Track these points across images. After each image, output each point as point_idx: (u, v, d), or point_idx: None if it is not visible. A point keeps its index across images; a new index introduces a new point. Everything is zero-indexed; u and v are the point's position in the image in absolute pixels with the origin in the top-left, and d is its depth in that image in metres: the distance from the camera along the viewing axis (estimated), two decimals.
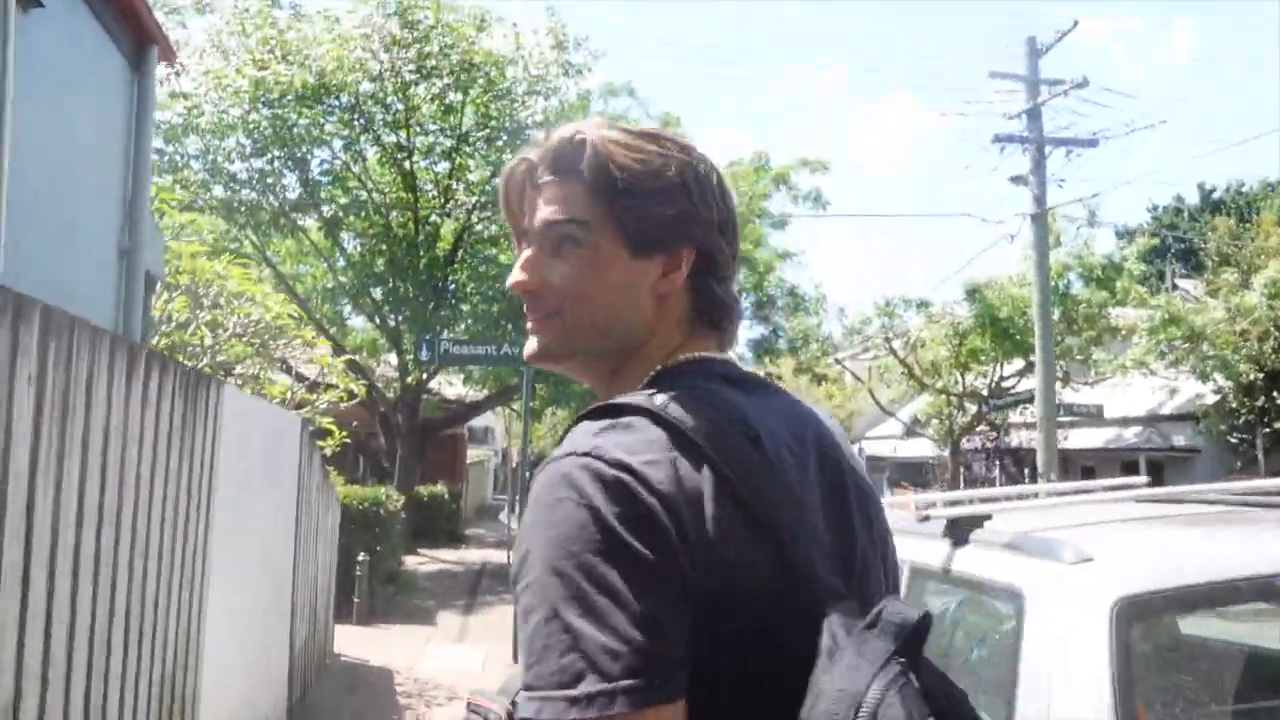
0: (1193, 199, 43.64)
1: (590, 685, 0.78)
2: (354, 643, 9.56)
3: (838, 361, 22.38)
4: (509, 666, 8.82)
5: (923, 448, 29.70)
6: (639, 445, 0.88)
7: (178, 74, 15.77)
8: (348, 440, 8.61)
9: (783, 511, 0.89)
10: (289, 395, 8.61)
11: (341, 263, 18.59)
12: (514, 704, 0.85)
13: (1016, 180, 17.01)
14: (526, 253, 1.07)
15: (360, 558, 10.82)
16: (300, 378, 8.88)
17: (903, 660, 0.81)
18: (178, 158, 15.78)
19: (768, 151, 21.73)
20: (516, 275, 1.06)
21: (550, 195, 1.04)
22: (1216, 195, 44.62)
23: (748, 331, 24.44)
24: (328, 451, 8.66)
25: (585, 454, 0.87)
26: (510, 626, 9.28)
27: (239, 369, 7.76)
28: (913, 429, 22.06)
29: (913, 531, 2.69)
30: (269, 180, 16.16)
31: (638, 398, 0.94)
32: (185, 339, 7.44)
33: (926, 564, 2.56)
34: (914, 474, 31.40)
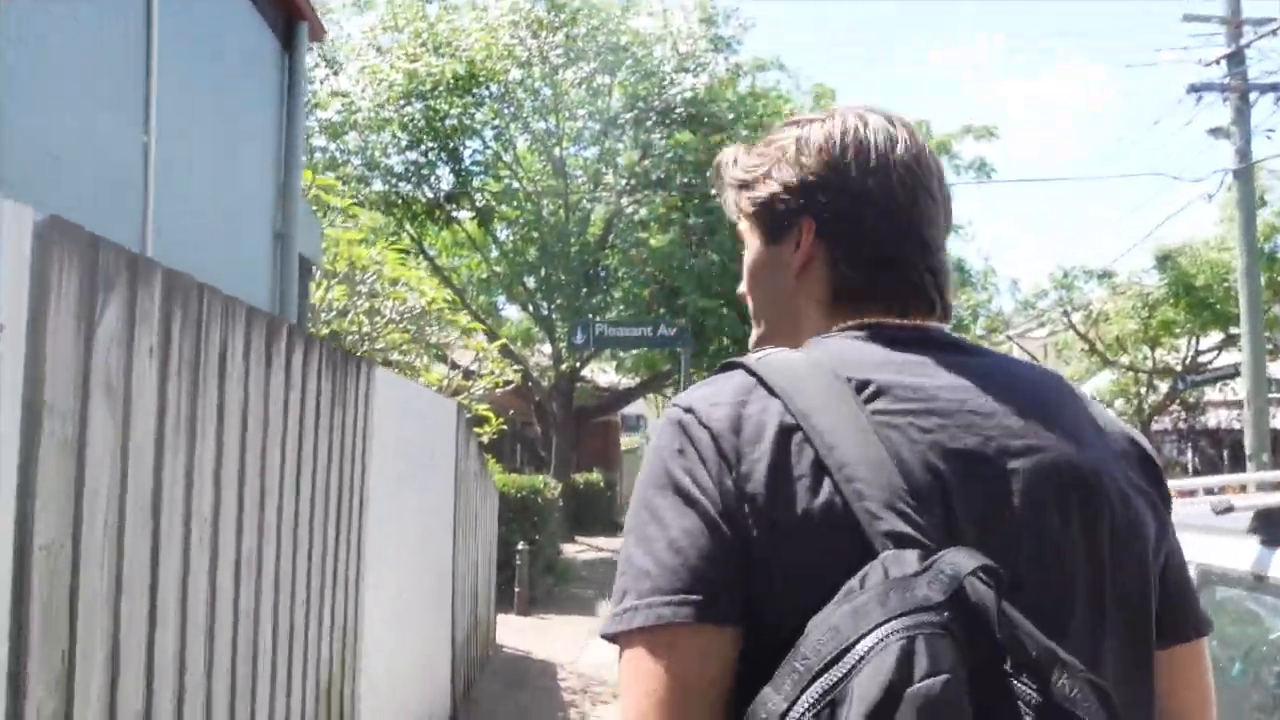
0: None
1: (626, 602, 0.85)
2: (515, 634, 9.37)
3: (1009, 338, 20.97)
4: None
5: None
6: (714, 391, 0.93)
7: (336, 73, 16.12)
8: (504, 427, 8.39)
9: (847, 449, 0.86)
10: (446, 383, 8.46)
11: (495, 253, 18.69)
12: None
13: (1215, 133, 15.35)
14: None
15: (519, 546, 10.66)
16: (455, 365, 8.72)
17: (944, 613, 0.75)
18: (337, 154, 16.12)
19: (928, 120, 20.47)
20: None
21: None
22: None
23: None
24: (484, 439, 8.47)
25: (673, 404, 0.94)
26: None
27: (395, 355, 7.63)
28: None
29: (1202, 526, 2.11)
30: (423, 172, 16.33)
31: (748, 356, 0.98)
32: (343, 327, 7.35)
33: (1224, 567, 2.06)
34: None
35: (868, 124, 1.04)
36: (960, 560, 0.77)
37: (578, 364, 18.55)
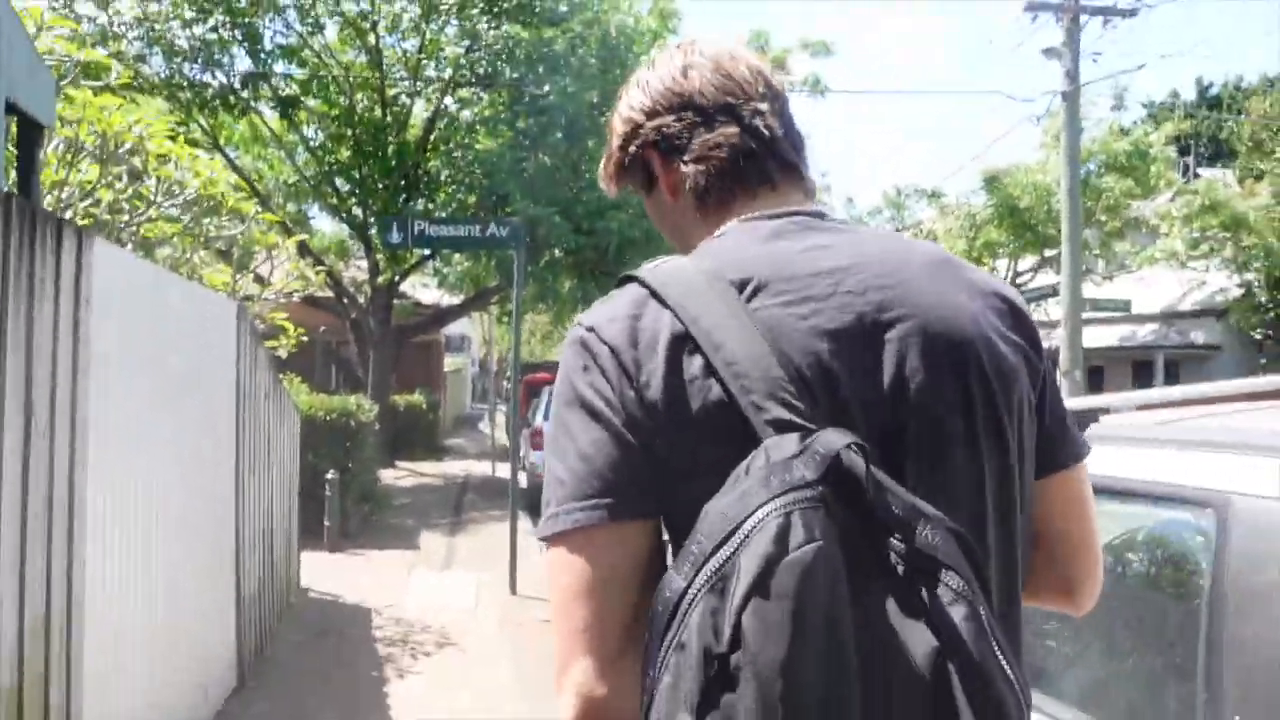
0: (1188, 95, 41.92)
1: (549, 510, 0.94)
2: (325, 574, 8.27)
3: None
4: (507, 598, 7.60)
5: None
6: (611, 308, 0.99)
7: None
8: (305, 339, 7.15)
9: (730, 347, 0.92)
10: (234, 287, 7.11)
11: (303, 156, 16.83)
12: None
13: (1049, 53, 15.41)
14: None
15: (329, 475, 9.48)
16: (244, 266, 7.35)
17: (818, 489, 0.81)
18: (110, 24, 13.80)
19: (768, 31, 19.80)
20: None
21: None
22: (1214, 91, 42.92)
23: None
24: (283, 353, 7.23)
25: (577, 323, 1.01)
26: (505, 550, 8.04)
27: (166, 252, 6.27)
28: None
29: None
30: (214, 52, 14.26)
31: (642, 268, 1.03)
32: (93, 212, 5.91)
33: None
34: None
35: (669, 53, 1.17)
36: (832, 439, 0.85)
37: (396, 277, 17.11)
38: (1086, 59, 15.74)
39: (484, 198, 14.83)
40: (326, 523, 9.51)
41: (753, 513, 0.80)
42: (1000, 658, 0.82)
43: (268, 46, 14.90)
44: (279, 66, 15.14)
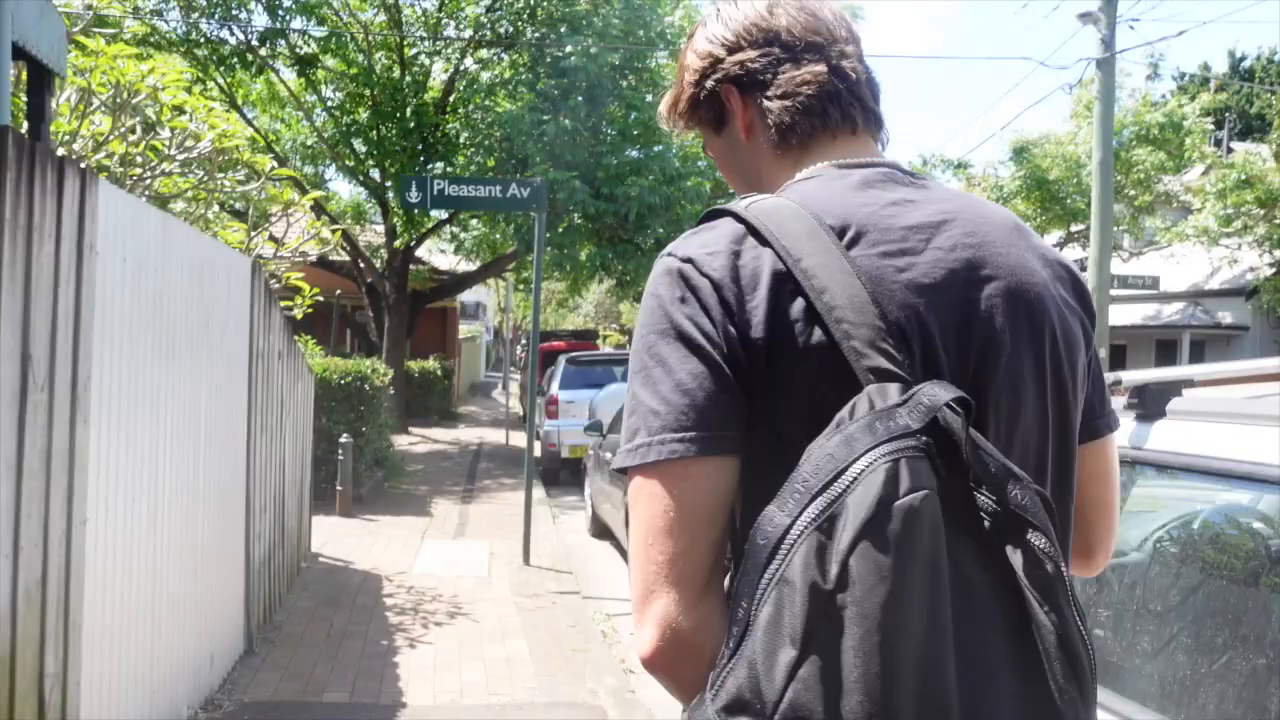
0: (1219, 68, 40.96)
1: (639, 439, 0.94)
2: (336, 539, 8.17)
3: None
4: (520, 569, 7.47)
5: None
6: (709, 240, 0.99)
7: None
8: (321, 299, 6.98)
9: (835, 292, 0.92)
10: (249, 245, 6.94)
11: (321, 117, 16.60)
12: None
13: (1085, 18, 14.99)
14: None
15: (343, 439, 9.36)
16: (260, 223, 7.17)
17: (920, 438, 0.83)
18: None
19: None
20: None
21: None
22: (1247, 64, 42.02)
23: None
24: (297, 313, 7.07)
25: (668, 254, 1.00)
26: (519, 520, 7.91)
27: (179, 206, 6.10)
28: None
29: None
30: (231, 6, 14.01)
31: (734, 202, 1.03)
32: (106, 164, 5.74)
33: None
34: None
35: None
36: (937, 392, 0.87)
37: (412, 241, 16.92)
38: (1123, 26, 15.31)
39: (503, 161, 14.58)
40: (339, 487, 9.41)
41: (860, 456, 0.82)
42: (1079, 620, 0.85)
43: (286, 3, 14.63)
44: (297, 23, 14.85)
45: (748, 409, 0.94)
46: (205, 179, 6.20)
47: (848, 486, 0.81)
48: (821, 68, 1.10)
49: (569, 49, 14.37)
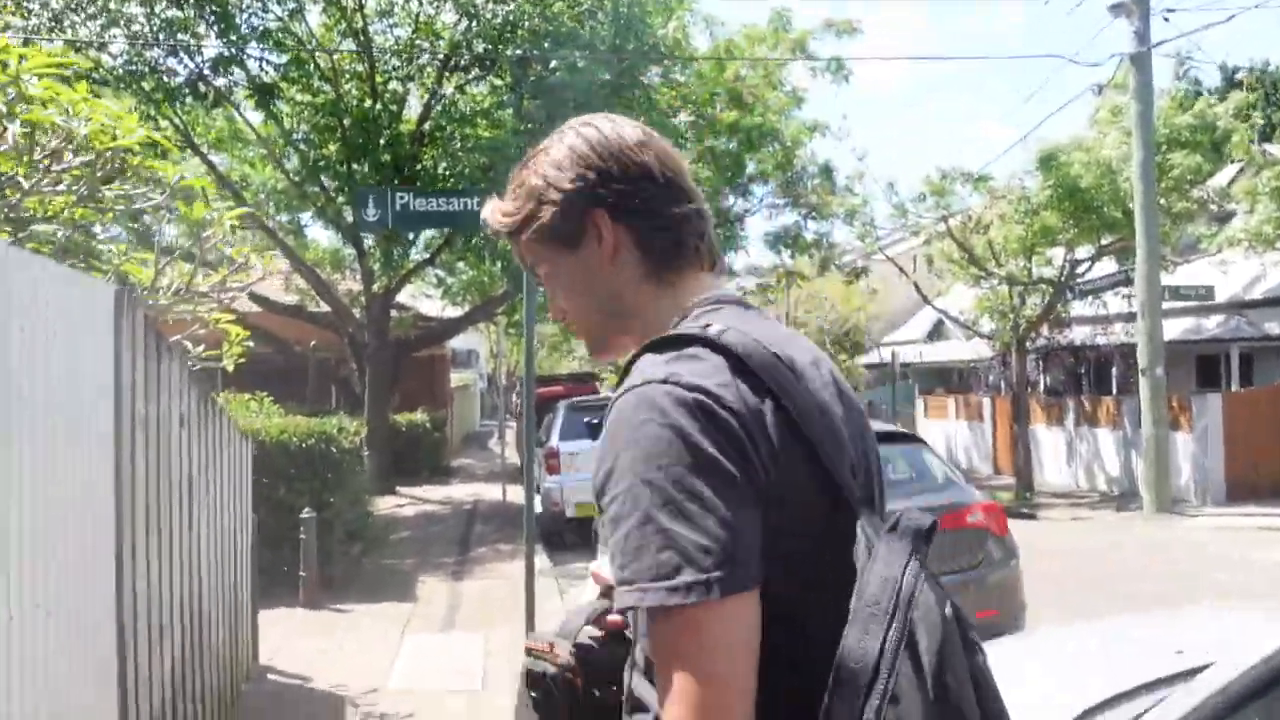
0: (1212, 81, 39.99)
1: (688, 576, 0.93)
2: (294, 641, 6.63)
3: (880, 250, 19.19)
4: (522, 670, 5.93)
5: (953, 351, 26.70)
6: (708, 370, 1.02)
7: None
8: (250, 344, 5.49)
9: (818, 427, 1.03)
10: (156, 281, 5.46)
11: (291, 158, 15.26)
12: (591, 634, 1.18)
13: (1117, 10, 13.76)
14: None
15: (304, 514, 7.84)
16: (171, 250, 5.70)
17: (920, 558, 0.99)
18: (61, 5, 12.23)
19: (789, 8, 18.20)
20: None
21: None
22: (1238, 76, 41.02)
23: (769, 223, 21.21)
24: (227, 365, 5.61)
25: (664, 380, 1.00)
26: (518, 597, 6.37)
27: (48, 228, 4.68)
28: (969, 327, 18.86)
29: None
30: (179, 35, 12.69)
31: (694, 329, 1.08)
32: None
33: None
34: (942, 381, 28.44)
35: (613, 121, 1.23)
36: (917, 519, 1.02)
37: (392, 284, 15.50)
38: (1156, 18, 14.08)
39: (486, 191, 13.22)
40: (302, 573, 7.87)
41: (903, 577, 0.96)
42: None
43: (242, 31, 13.32)
44: (253, 49, 13.55)
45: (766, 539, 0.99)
46: (85, 194, 4.74)
47: (909, 606, 0.94)
48: (692, 207, 1.20)
49: (554, 64, 13.08)
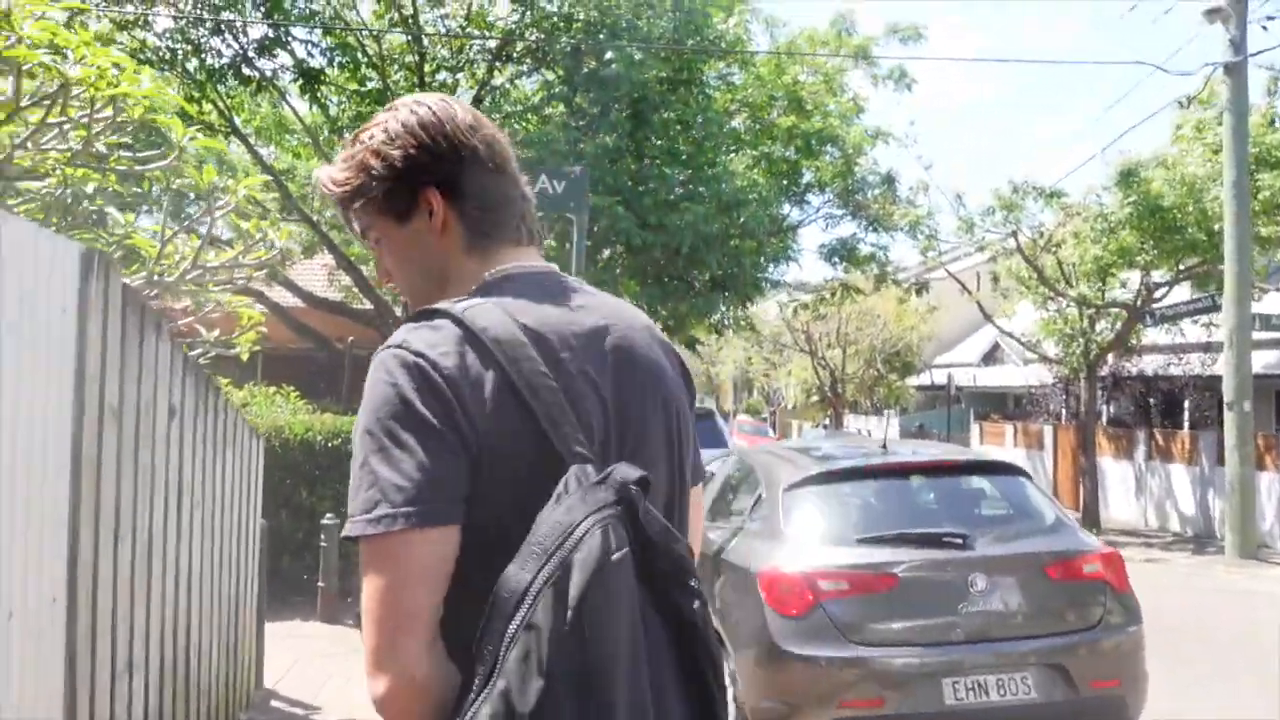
0: None
1: (381, 510, 1.11)
2: (306, 662, 6.01)
3: (942, 265, 18.28)
4: None
5: (1009, 375, 25.61)
6: (436, 340, 1.18)
7: None
8: (264, 329, 4.88)
9: (544, 394, 1.17)
10: (172, 256, 4.87)
11: (336, 147, 14.79)
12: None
13: (1212, 15, 12.86)
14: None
15: (326, 519, 7.25)
16: (187, 220, 5.11)
17: (618, 507, 1.11)
18: None
19: (852, 11, 17.43)
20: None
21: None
22: None
23: (825, 234, 20.36)
24: (242, 354, 5.03)
25: (398, 346, 1.18)
26: None
27: (37, 185, 4.11)
28: (1032, 349, 17.88)
29: None
30: (223, 16, 12.26)
31: (447, 304, 1.23)
32: None
33: None
34: (996, 406, 27.29)
35: (445, 102, 1.34)
36: (626, 472, 1.14)
37: None
38: (1253, 26, 13.15)
39: (531, 185, 12.62)
40: (321, 583, 7.27)
41: (580, 522, 1.07)
42: (714, 631, 1.22)
43: (290, 13, 12.86)
44: (300, 32, 13.09)
45: (472, 487, 1.15)
46: (78, 148, 4.17)
47: (574, 547, 1.06)
48: (516, 190, 1.36)
49: (609, 56, 12.47)
